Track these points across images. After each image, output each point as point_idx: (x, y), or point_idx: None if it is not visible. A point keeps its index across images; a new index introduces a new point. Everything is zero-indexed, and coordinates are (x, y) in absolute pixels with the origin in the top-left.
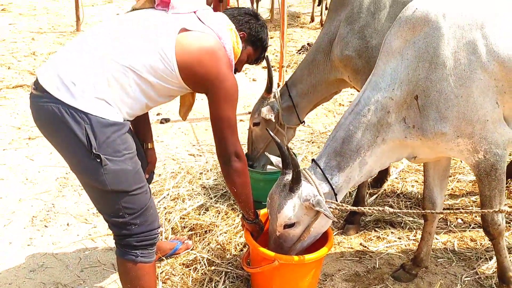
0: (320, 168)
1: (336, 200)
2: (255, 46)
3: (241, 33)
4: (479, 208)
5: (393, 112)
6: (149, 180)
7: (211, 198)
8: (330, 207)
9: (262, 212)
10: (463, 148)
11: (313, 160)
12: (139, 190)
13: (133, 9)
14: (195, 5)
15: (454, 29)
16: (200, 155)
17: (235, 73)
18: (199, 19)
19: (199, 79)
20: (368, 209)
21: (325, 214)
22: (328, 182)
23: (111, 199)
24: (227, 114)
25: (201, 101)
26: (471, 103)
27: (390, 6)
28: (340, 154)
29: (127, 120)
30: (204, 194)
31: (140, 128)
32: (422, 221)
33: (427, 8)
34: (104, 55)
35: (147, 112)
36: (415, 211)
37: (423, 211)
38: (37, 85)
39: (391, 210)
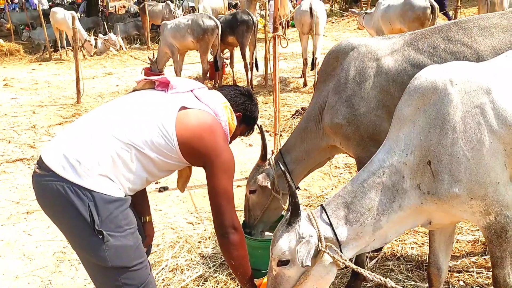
0: (326, 213)
1: (342, 253)
2: (248, 124)
3: (237, 113)
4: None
5: (408, 178)
6: (147, 253)
7: (210, 268)
8: (330, 253)
9: (260, 281)
10: (476, 210)
11: (321, 205)
12: (139, 265)
13: (134, 90)
14: (192, 85)
15: (462, 95)
16: (199, 223)
17: (229, 142)
18: (196, 97)
19: (197, 153)
20: (368, 273)
21: (298, 256)
22: (332, 229)
23: (111, 275)
24: (224, 186)
25: (199, 169)
26: (482, 166)
27: (374, 76)
28: (349, 207)
29: (128, 195)
30: (203, 264)
31: (137, 201)
32: (424, 285)
33: (435, 77)
34: (107, 133)
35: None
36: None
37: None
38: (41, 164)
39: (393, 284)
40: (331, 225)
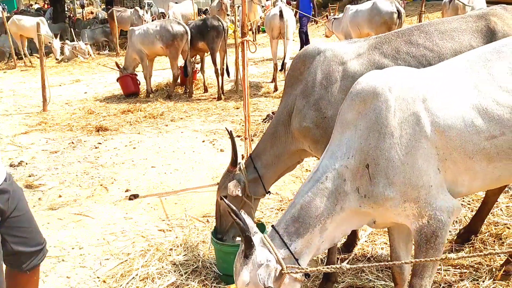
0: (278, 234)
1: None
2: None
3: None
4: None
5: (348, 181)
6: None
7: (182, 275)
8: (292, 272)
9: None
10: (409, 213)
11: (272, 226)
12: None
13: None
14: None
15: (399, 102)
16: (170, 230)
17: None
18: None
19: None
20: (327, 267)
21: (259, 279)
22: (287, 247)
23: None
24: None
25: (170, 174)
26: (416, 170)
27: (341, 79)
28: (298, 220)
29: None
30: (175, 272)
31: None
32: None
33: (375, 82)
34: None
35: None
36: (370, 265)
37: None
38: None
39: (348, 266)
40: (285, 244)
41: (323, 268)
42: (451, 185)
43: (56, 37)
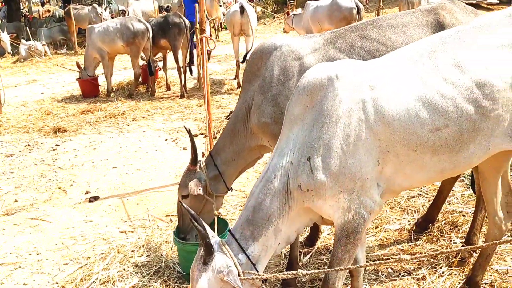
0: (235, 239)
1: (257, 271)
2: None
3: None
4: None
5: (291, 178)
6: None
7: (144, 277)
8: (248, 278)
9: None
10: (341, 205)
11: (229, 230)
12: None
13: None
14: None
15: (346, 90)
16: (132, 231)
17: None
18: None
19: None
20: (283, 274)
21: (233, 286)
22: (244, 252)
23: None
24: None
25: (132, 174)
26: (356, 160)
27: (297, 74)
28: (252, 223)
29: None
30: (137, 273)
31: None
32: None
33: (321, 74)
34: None
35: None
36: (333, 269)
37: (347, 267)
38: None
39: (304, 272)
40: (242, 249)
41: (279, 274)
42: (392, 178)
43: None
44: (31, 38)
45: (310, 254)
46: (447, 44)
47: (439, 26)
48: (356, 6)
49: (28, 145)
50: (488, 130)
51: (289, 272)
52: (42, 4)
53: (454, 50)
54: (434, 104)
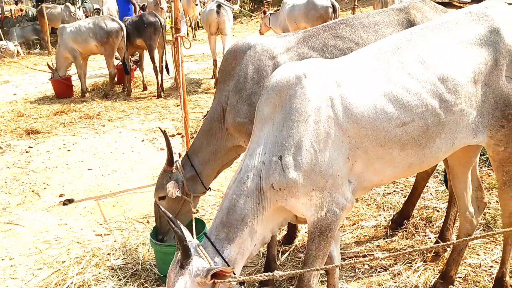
0: (211, 242)
1: (234, 274)
2: None
3: None
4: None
5: (263, 177)
6: None
7: (120, 280)
8: (225, 281)
9: None
10: (313, 203)
11: (204, 234)
12: None
13: None
14: None
15: (314, 88)
16: (108, 234)
17: None
18: None
19: None
20: (260, 276)
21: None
22: (220, 255)
23: None
24: None
25: (107, 176)
26: (327, 157)
27: (270, 73)
28: (227, 225)
29: None
30: (113, 277)
31: None
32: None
33: (289, 73)
34: None
35: None
36: (310, 269)
37: (323, 267)
38: None
39: (280, 273)
40: (218, 252)
41: (256, 276)
42: (363, 174)
43: None
44: (3, 38)
45: (288, 252)
46: (411, 41)
47: (410, 25)
48: (332, 5)
49: (0, 147)
50: (453, 125)
51: (266, 274)
52: (16, 3)
53: (418, 46)
54: (400, 99)
